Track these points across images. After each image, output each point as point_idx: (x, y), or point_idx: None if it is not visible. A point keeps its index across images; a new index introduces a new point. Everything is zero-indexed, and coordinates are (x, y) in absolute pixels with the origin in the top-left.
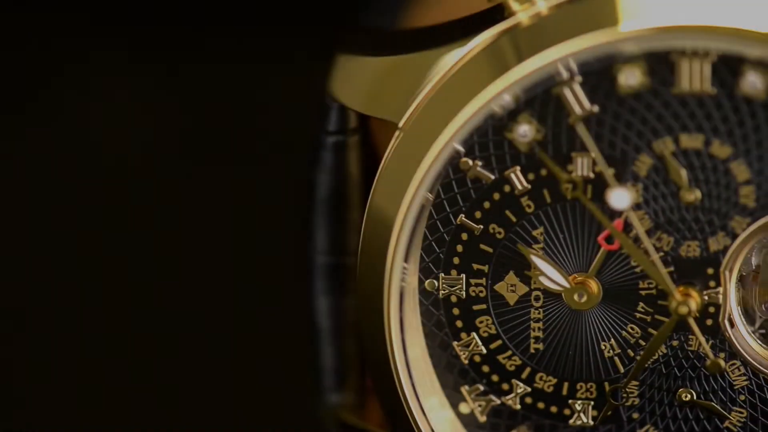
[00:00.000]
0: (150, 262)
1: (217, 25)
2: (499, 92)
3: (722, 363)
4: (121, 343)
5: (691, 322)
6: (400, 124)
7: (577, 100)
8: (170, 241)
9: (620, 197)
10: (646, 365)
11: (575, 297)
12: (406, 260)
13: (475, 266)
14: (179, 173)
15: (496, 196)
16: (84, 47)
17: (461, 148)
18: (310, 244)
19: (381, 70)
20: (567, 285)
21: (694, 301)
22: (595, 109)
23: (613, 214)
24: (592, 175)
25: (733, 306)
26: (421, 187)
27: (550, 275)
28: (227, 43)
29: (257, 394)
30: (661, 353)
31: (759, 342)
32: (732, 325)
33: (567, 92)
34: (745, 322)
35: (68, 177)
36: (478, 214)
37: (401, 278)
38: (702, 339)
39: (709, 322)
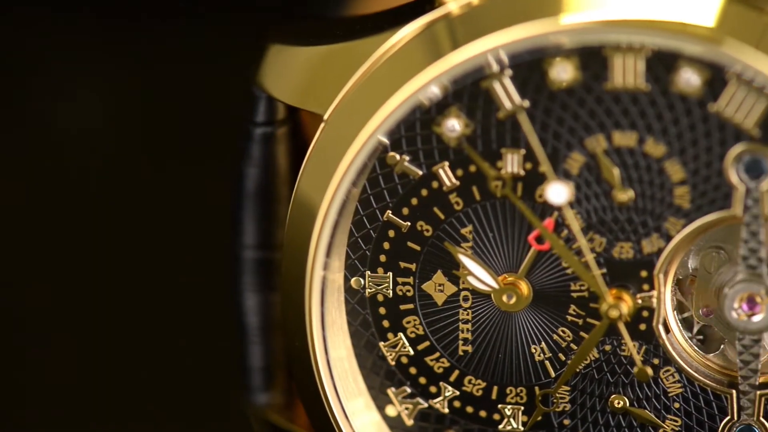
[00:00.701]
0: (73, 259)
1: (152, 17)
2: (425, 83)
3: (650, 371)
4: (42, 340)
5: (621, 326)
6: (326, 116)
7: (507, 94)
8: (94, 237)
9: (558, 192)
10: (578, 370)
11: (504, 298)
12: (328, 255)
13: (402, 264)
14: (105, 167)
15: (424, 192)
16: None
17: (386, 140)
18: (237, 238)
19: (311, 61)
20: (496, 285)
21: (626, 305)
22: (526, 103)
23: (544, 213)
24: (522, 173)
25: (669, 311)
26: (345, 180)
27: (479, 275)
28: (161, 31)
29: (183, 393)
30: (593, 358)
31: (695, 348)
32: (667, 330)
33: (497, 86)
34: (681, 328)
35: None
36: (405, 211)
37: (323, 273)
38: (630, 344)
39: (642, 326)
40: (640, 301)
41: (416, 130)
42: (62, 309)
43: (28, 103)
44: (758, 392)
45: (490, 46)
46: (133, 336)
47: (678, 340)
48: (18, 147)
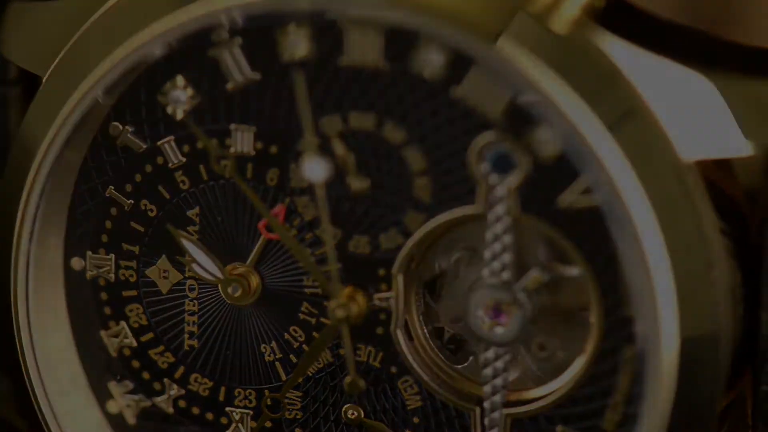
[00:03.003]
0: None
1: None
2: (149, 39)
3: (362, 384)
4: None
5: (344, 328)
6: (45, 77)
7: (237, 64)
8: None
9: (314, 168)
10: (309, 374)
11: (230, 290)
12: (34, 224)
13: (125, 246)
14: None
15: (149, 168)
16: None
17: (101, 99)
18: None
19: (44, 17)
20: (220, 275)
21: (356, 305)
22: (256, 76)
23: (276, 198)
24: (252, 152)
25: (415, 316)
26: (55, 143)
27: (203, 263)
28: None
29: None
30: (326, 362)
31: (443, 359)
32: (411, 337)
33: (226, 55)
34: (428, 336)
35: None
36: (128, 187)
37: (28, 246)
38: (349, 350)
39: (379, 330)
40: (377, 302)
41: (140, 99)
42: None
43: None
44: (504, 411)
45: (224, 5)
46: None
47: (424, 348)
48: None
